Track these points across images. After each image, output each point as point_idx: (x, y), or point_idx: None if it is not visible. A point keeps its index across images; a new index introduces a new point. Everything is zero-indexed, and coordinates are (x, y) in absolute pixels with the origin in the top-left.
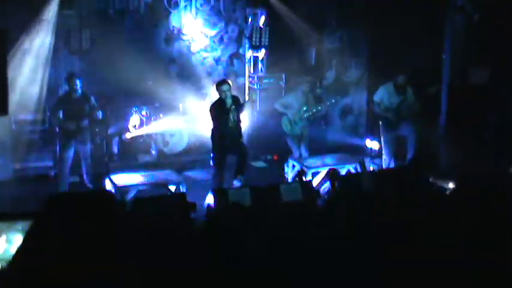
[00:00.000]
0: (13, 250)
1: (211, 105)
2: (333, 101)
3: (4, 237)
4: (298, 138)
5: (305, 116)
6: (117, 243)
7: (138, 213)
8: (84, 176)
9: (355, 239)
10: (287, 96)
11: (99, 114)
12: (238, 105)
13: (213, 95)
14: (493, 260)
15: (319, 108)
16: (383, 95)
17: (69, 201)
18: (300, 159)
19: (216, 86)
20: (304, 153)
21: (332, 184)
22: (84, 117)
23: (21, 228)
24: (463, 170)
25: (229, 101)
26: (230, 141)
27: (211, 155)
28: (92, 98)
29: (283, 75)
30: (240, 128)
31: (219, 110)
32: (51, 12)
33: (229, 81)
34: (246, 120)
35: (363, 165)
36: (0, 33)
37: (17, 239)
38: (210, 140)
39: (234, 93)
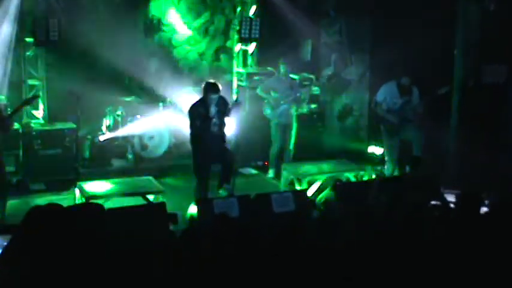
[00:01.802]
0: None
1: (191, 106)
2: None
3: None
4: (282, 127)
5: (289, 98)
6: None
7: (111, 227)
8: None
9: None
10: (267, 80)
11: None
12: (224, 108)
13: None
14: None
15: (298, 94)
16: (386, 94)
17: (54, 215)
18: (292, 165)
19: (205, 88)
20: (288, 145)
21: (337, 197)
22: None
23: None
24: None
25: (212, 110)
26: (213, 147)
27: (193, 161)
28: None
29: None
30: (224, 132)
31: (200, 115)
32: None
33: (220, 87)
34: (233, 122)
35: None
36: None
37: None
38: (190, 145)
39: (221, 92)
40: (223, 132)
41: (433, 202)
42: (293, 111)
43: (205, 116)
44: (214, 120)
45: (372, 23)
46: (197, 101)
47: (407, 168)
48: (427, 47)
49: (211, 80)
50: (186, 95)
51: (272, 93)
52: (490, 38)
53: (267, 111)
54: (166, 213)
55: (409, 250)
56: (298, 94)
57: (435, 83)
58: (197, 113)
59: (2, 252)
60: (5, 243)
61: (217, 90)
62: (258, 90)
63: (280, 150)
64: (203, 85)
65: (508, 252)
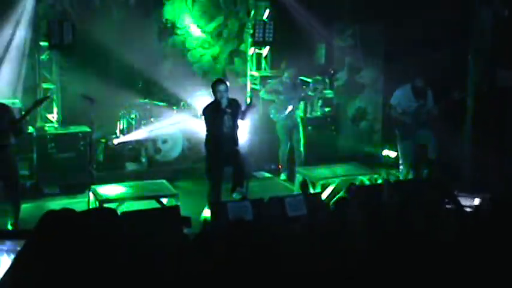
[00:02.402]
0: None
1: (205, 106)
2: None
3: None
4: (288, 128)
5: (293, 100)
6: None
7: (125, 231)
8: (9, 218)
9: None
10: (271, 82)
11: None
12: (237, 110)
13: (210, 97)
14: None
15: (307, 91)
16: (400, 98)
17: (68, 220)
18: (306, 169)
19: (212, 85)
20: (298, 147)
21: (352, 200)
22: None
23: (8, 248)
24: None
25: (224, 101)
26: (225, 150)
27: (206, 165)
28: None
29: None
30: (237, 136)
31: (213, 111)
32: (28, 1)
33: (227, 82)
34: (247, 125)
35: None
36: None
37: (4, 261)
38: (204, 148)
39: (234, 95)
40: (236, 135)
41: (447, 206)
42: (298, 112)
43: (218, 109)
44: (226, 121)
45: (385, 28)
46: (210, 102)
47: (424, 172)
48: (441, 52)
49: None
50: (199, 98)
51: (276, 97)
52: (503, 42)
53: (272, 113)
54: (180, 216)
55: (423, 251)
56: (302, 94)
57: (449, 87)
58: (209, 110)
59: (15, 257)
60: (19, 248)
61: (222, 81)
62: (262, 93)
63: (290, 152)
64: (211, 84)
65: None
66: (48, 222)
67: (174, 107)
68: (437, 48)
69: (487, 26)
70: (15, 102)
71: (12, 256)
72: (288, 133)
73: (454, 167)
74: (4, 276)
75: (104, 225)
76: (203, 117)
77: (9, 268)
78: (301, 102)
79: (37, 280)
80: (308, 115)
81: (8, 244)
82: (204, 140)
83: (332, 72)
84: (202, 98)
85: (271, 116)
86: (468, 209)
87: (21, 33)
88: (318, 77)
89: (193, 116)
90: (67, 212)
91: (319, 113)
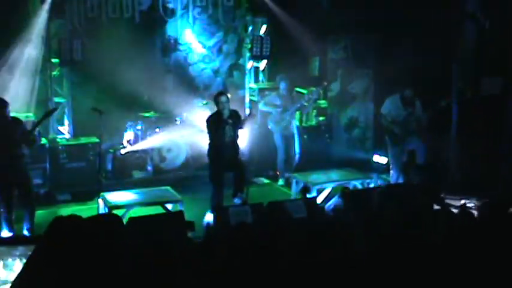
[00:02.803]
0: (12, 277)
1: (208, 117)
2: (313, 95)
3: (1, 263)
4: (285, 138)
5: (290, 111)
6: (116, 268)
7: (133, 234)
8: (23, 224)
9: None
10: (269, 95)
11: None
12: (237, 120)
13: (211, 108)
14: None
15: (302, 102)
16: (390, 107)
17: (75, 226)
18: (302, 174)
19: (214, 97)
20: (294, 154)
21: (346, 204)
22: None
23: (20, 253)
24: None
25: (226, 112)
26: (227, 157)
27: (209, 172)
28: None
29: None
30: (238, 144)
31: (215, 122)
32: (40, 20)
33: (228, 94)
34: (247, 134)
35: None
36: None
37: (16, 265)
38: (207, 156)
39: (234, 106)
40: (237, 144)
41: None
42: (294, 122)
43: (220, 120)
44: (227, 131)
45: (375, 41)
46: (213, 113)
47: (412, 176)
48: (427, 62)
49: None
50: (200, 111)
51: (273, 109)
52: (485, 52)
53: (271, 125)
54: (184, 221)
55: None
56: (298, 105)
57: (436, 96)
58: (213, 121)
59: (26, 262)
60: (30, 253)
61: (223, 94)
62: (261, 105)
63: (286, 159)
64: (213, 96)
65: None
66: (57, 228)
67: (178, 118)
68: (424, 60)
69: (470, 37)
70: (29, 116)
71: (24, 261)
72: (285, 142)
73: (441, 171)
74: (15, 280)
75: (109, 230)
76: (206, 127)
77: (20, 272)
78: (297, 113)
79: (46, 284)
80: (303, 124)
81: (21, 249)
82: (206, 149)
83: (325, 84)
84: (202, 111)
85: (269, 127)
86: (454, 210)
87: (34, 51)
88: (312, 88)
89: (195, 126)
90: (74, 218)
91: (314, 122)
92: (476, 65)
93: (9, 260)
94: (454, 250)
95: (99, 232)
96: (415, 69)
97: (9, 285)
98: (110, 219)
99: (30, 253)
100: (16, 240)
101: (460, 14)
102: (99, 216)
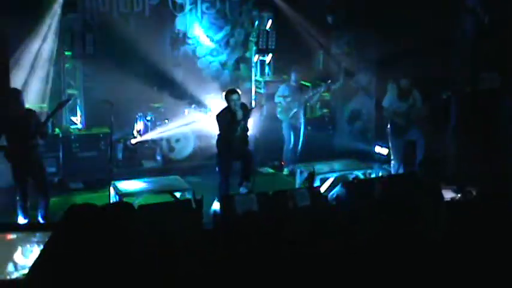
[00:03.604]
0: (30, 262)
1: (220, 113)
2: (320, 88)
3: (20, 249)
4: (293, 128)
5: (299, 102)
6: (129, 254)
7: (142, 222)
8: (38, 211)
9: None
10: (281, 88)
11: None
12: (247, 114)
13: (219, 101)
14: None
15: (311, 93)
16: (391, 100)
17: (89, 214)
18: (306, 165)
19: (226, 95)
20: (298, 145)
21: (348, 193)
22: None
23: (38, 240)
24: (472, 176)
25: (239, 114)
26: (236, 149)
27: (217, 161)
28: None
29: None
30: (247, 136)
31: (227, 121)
32: (54, 15)
33: (239, 91)
34: (253, 125)
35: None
36: (1, 34)
37: (34, 251)
38: (216, 147)
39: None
40: (247, 135)
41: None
42: (302, 114)
43: (233, 119)
44: (241, 123)
45: (377, 35)
46: (223, 109)
47: (417, 170)
48: (428, 56)
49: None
50: (209, 101)
51: (283, 99)
52: (484, 47)
53: (280, 113)
54: (192, 208)
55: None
56: (306, 96)
57: (436, 89)
58: (224, 118)
59: (43, 248)
60: (47, 239)
61: (235, 91)
62: (276, 98)
63: (293, 149)
64: (224, 93)
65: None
66: (72, 215)
67: (186, 110)
68: (425, 53)
69: (469, 31)
70: (43, 107)
71: (41, 247)
72: (293, 132)
73: (441, 162)
74: (33, 265)
75: (121, 218)
76: (216, 121)
77: (37, 258)
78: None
79: (63, 269)
80: (308, 116)
81: (38, 236)
82: (214, 139)
83: (330, 82)
84: (212, 101)
85: (279, 115)
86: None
87: (48, 45)
88: (318, 82)
89: (202, 118)
90: (89, 206)
91: (317, 114)
92: (475, 60)
93: (27, 246)
94: (452, 243)
95: (113, 220)
96: (416, 63)
97: (27, 270)
98: (123, 207)
99: (47, 239)
100: (33, 227)
101: (460, 8)
102: (113, 204)
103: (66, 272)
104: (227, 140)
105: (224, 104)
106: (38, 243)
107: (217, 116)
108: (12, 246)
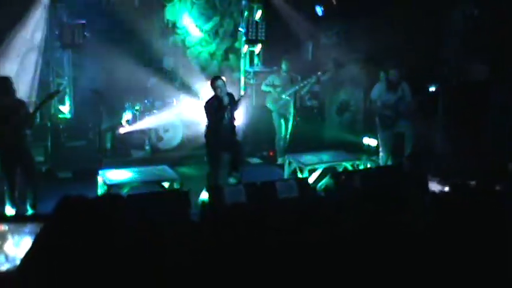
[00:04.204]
0: (21, 253)
1: (207, 101)
2: (311, 79)
3: (11, 240)
4: (283, 118)
5: (289, 92)
6: (119, 245)
7: (131, 210)
8: (27, 201)
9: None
10: (270, 77)
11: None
12: (234, 103)
13: (208, 90)
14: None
15: (301, 84)
16: (379, 92)
17: (81, 205)
18: (295, 155)
19: (211, 82)
20: (287, 135)
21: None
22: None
23: (29, 230)
24: (459, 168)
25: (225, 99)
26: (224, 139)
27: (206, 152)
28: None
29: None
30: (234, 126)
31: (215, 107)
32: (42, 4)
33: (223, 77)
34: (241, 115)
35: None
36: None
37: (25, 242)
38: (204, 137)
39: (230, 88)
40: (233, 125)
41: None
42: (292, 104)
43: (220, 106)
44: (225, 114)
45: (367, 26)
46: (211, 97)
47: (404, 162)
48: (417, 48)
49: None
50: (197, 92)
51: (273, 89)
52: (472, 40)
53: (269, 103)
54: (180, 198)
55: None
56: (297, 87)
57: (424, 82)
58: (211, 105)
59: (35, 238)
60: (38, 231)
61: (219, 77)
62: (263, 87)
63: (284, 138)
64: (209, 81)
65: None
66: (63, 207)
67: (175, 100)
68: (414, 46)
69: (457, 24)
70: (31, 97)
71: (33, 237)
72: (283, 121)
73: (429, 154)
74: (25, 256)
75: (111, 209)
76: (204, 110)
77: (29, 249)
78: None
79: (55, 260)
80: (297, 106)
81: (30, 226)
82: (203, 129)
83: (320, 74)
84: (200, 91)
85: (268, 105)
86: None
87: (37, 34)
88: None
89: (191, 108)
90: (80, 198)
91: (307, 105)
92: (463, 52)
93: (19, 236)
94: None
95: (104, 211)
96: (405, 55)
97: (19, 261)
98: (112, 198)
99: (38, 230)
100: (24, 218)
101: (449, 1)
102: (103, 195)
103: (59, 263)
104: (215, 129)
105: (211, 94)
106: (29, 233)
107: (205, 104)
108: (2, 237)
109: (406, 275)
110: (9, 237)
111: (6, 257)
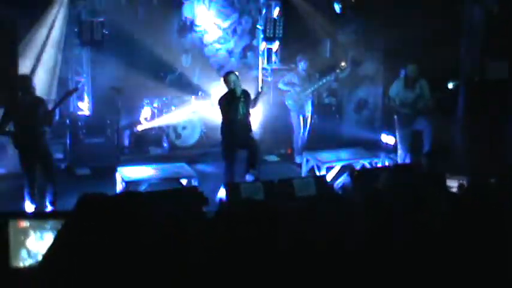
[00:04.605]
0: (43, 248)
1: (220, 97)
2: (332, 78)
3: (33, 236)
4: (301, 116)
5: (308, 91)
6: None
7: (148, 209)
8: (46, 197)
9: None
10: (288, 74)
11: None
12: (248, 98)
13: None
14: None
15: (320, 83)
16: (398, 89)
17: (102, 202)
18: (314, 153)
19: (224, 78)
20: (305, 132)
21: (353, 182)
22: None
23: (50, 227)
24: (478, 166)
25: (239, 90)
26: (239, 134)
27: (221, 148)
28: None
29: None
30: (250, 121)
31: (228, 100)
32: (62, 2)
33: (236, 73)
34: (259, 113)
35: None
36: (10, 23)
37: (47, 238)
38: (220, 134)
39: (247, 86)
40: (249, 121)
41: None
42: (310, 103)
43: (233, 98)
44: (240, 108)
45: (385, 23)
46: (225, 93)
47: (423, 160)
48: (436, 45)
49: None
50: (215, 88)
51: (291, 87)
52: (493, 36)
53: (289, 102)
54: (198, 196)
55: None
56: (315, 85)
57: (444, 79)
58: (224, 99)
59: (56, 235)
60: (59, 227)
61: (232, 72)
62: (280, 85)
63: (302, 137)
64: (222, 77)
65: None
66: (84, 204)
67: (193, 97)
68: (433, 43)
69: (478, 21)
70: (50, 94)
71: (54, 233)
72: (302, 120)
73: (447, 152)
74: (46, 252)
75: (131, 206)
76: (218, 106)
77: (51, 245)
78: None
79: (76, 256)
80: (315, 104)
81: (51, 223)
82: (219, 126)
83: (343, 65)
84: (217, 89)
85: (288, 103)
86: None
87: (56, 32)
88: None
89: (209, 104)
90: (100, 195)
91: (325, 102)
92: (484, 49)
93: (41, 233)
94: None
95: (124, 208)
96: (424, 52)
97: (40, 256)
98: (132, 195)
99: (59, 227)
100: (46, 215)
101: None
102: (123, 193)
103: (80, 260)
104: (229, 123)
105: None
106: (51, 229)
107: (219, 99)
108: (25, 233)
109: (421, 274)
110: (32, 233)
111: (29, 253)
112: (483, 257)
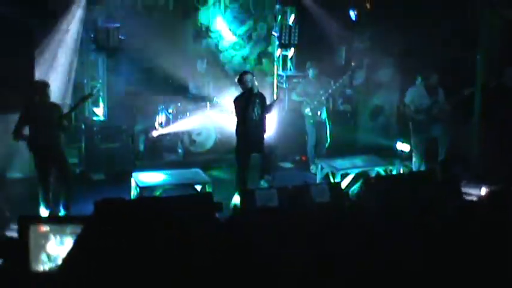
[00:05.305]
0: (63, 253)
1: (237, 96)
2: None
3: (53, 240)
4: (316, 124)
5: (323, 97)
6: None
7: (162, 214)
8: (60, 202)
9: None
10: (300, 84)
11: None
12: (264, 101)
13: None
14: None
15: (329, 90)
16: (413, 96)
17: (119, 207)
18: (328, 160)
19: (239, 78)
20: (324, 141)
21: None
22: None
23: (70, 231)
24: (495, 173)
25: (255, 88)
26: (254, 136)
27: (235, 152)
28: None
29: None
30: (265, 125)
31: (245, 98)
32: (78, 8)
33: (252, 72)
34: (274, 119)
35: None
36: (28, 33)
37: (67, 242)
38: (235, 136)
39: (263, 92)
40: (264, 124)
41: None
42: (325, 109)
43: (250, 96)
44: (255, 110)
45: (400, 30)
46: (241, 93)
47: (438, 168)
48: (452, 51)
49: None
50: (229, 96)
51: (306, 97)
52: (510, 43)
53: (306, 111)
54: (212, 202)
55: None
56: (329, 91)
57: (459, 85)
58: (240, 100)
59: (75, 240)
60: (78, 232)
61: (248, 72)
62: (294, 96)
63: (316, 145)
64: (237, 78)
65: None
66: (102, 209)
67: (208, 103)
68: (449, 49)
69: (494, 27)
70: (65, 99)
71: (74, 238)
72: (316, 129)
73: (464, 159)
74: (66, 256)
75: (147, 211)
76: (234, 105)
77: (71, 249)
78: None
79: (95, 260)
80: (330, 111)
81: (70, 227)
82: (234, 132)
83: (350, 72)
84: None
85: (305, 113)
86: (474, 199)
87: (72, 37)
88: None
89: (223, 112)
90: (117, 200)
91: (340, 109)
92: (501, 55)
93: (60, 237)
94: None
95: (139, 213)
96: (439, 59)
97: (60, 260)
98: (148, 200)
99: (78, 231)
100: (66, 220)
101: (485, 3)
102: (139, 198)
103: (98, 264)
104: (244, 125)
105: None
106: (70, 234)
107: (235, 99)
108: (45, 237)
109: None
110: (52, 237)
111: (49, 257)
112: (496, 265)
